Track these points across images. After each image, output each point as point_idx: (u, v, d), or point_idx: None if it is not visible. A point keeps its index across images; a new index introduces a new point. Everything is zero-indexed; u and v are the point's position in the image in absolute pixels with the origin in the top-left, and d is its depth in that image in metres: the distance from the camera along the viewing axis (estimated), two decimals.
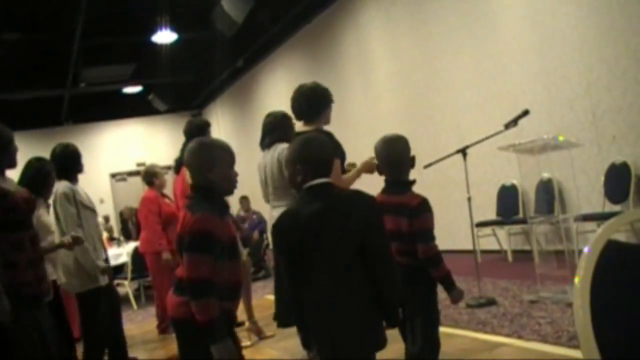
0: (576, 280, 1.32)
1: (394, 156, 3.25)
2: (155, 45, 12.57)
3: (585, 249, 1.36)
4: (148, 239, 7.09)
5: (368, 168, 4.14)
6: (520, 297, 5.79)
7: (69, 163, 5.09)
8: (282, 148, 4.85)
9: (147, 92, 16.28)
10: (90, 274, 4.92)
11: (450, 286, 3.22)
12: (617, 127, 6.83)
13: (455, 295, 3.25)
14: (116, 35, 12.54)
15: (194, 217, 2.70)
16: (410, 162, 3.29)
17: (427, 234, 3.15)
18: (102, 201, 17.11)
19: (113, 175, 18.86)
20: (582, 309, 1.27)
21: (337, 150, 3.94)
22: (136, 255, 8.66)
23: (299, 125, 4.60)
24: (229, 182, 2.92)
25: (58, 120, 17.82)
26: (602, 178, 6.92)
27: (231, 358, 2.70)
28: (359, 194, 2.62)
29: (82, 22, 11.03)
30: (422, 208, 3.16)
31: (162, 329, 7.08)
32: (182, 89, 17.02)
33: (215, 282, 2.65)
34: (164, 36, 11.96)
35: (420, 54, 9.90)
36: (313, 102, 4.47)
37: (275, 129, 5.04)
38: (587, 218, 6.50)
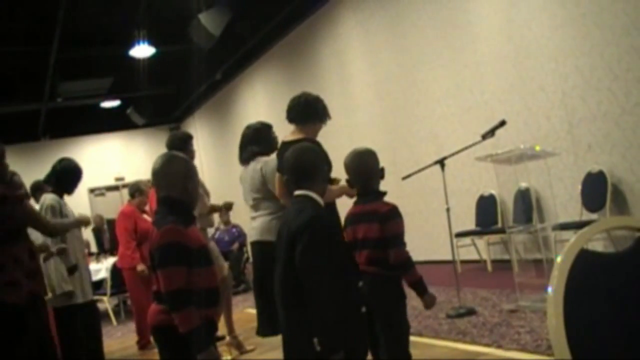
0: (549, 289, 1.34)
1: (363, 169, 3.31)
2: (133, 59, 12.52)
3: (558, 258, 1.38)
4: (123, 255, 7.11)
5: (349, 192, 4.16)
6: (500, 307, 5.81)
7: (66, 177, 5.08)
8: (264, 161, 4.85)
9: (125, 106, 16.20)
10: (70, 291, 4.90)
11: (422, 291, 3.25)
12: (592, 136, 6.91)
13: (428, 299, 3.28)
14: (94, 49, 12.49)
15: (159, 232, 2.75)
16: (380, 173, 3.33)
17: (399, 239, 3.20)
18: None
19: (92, 190, 18.72)
20: (555, 318, 1.29)
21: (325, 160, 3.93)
22: (115, 270, 8.60)
23: (288, 133, 4.57)
24: (198, 195, 3.09)
25: (35, 136, 17.67)
26: (579, 187, 6.98)
27: None
28: (303, 213, 2.72)
29: (58, 36, 10.98)
30: (393, 214, 3.21)
31: (142, 345, 7.03)
32: (161, 103, 16.96)
33: (191, 291, 2.68)
34: (142, 50, 11.92)
35: (398, 65, 9.96)
36: (314, 109, 4.47)
37: (253, 142, 5.03)
38: (564, 227, 6.55)
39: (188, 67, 13.90)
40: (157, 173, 2.93)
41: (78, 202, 16.99)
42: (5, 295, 3.44)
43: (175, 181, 2.90)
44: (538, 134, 7.41)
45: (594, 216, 6.78)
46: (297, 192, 2.84)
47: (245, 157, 5.06)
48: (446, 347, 4.94)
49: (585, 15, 6.80)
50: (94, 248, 13.58)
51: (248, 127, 5.22)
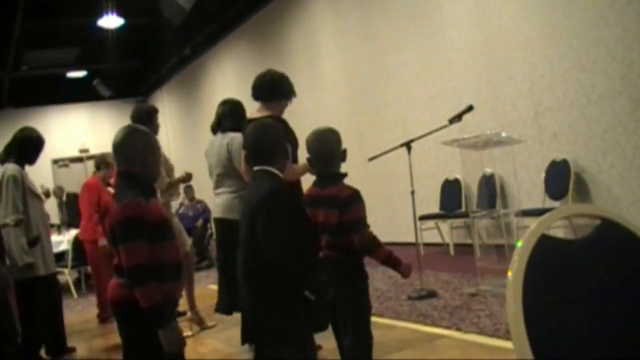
0: (509, 274, 1.36)
1: (325, 149, 3.25)
2: (101, 29, 12.34)
3: (519, 243, 1.40)
4: (86, 227, 7.04)
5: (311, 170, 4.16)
6: (461, 290, 5.89)
7: (27, 147, 4.99)
8: (231, 137, 4.83)
9: (91, 77, 15.99)
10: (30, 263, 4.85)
11: (396, 264, 3.21)
12: (558, 125, 6.99)
13: (404, 270, 3.24)
14: (61, 18, 12.27)
15: (119, 206, 2.71)
16: (342, 155, 3.29)
17: (360, 223, 3.15)
18: (43, 187, 16.73)
19: (55, 161, 18.49)
20: (514, 302, 1.31)
21: (288, 138, 3.92)
22: (77, 243, 8.52)
23: (253, 110, 4.57)
24: (159, 170, 3.03)
25: None
26: (543, 174, 7.07)
27: (179, 341, 2.70)
28: (262, 187, 2.74)
29: (24, 3, 10.76)
30: (353, 199, 3.16)
31: (103, 319, 6.99)
32: (128, 76, 16.78)
33: (153, 266, 2.65)
34: (110, 21, 11.75)
35: (367, 47, 9.95)
36: (279, 87, 4.46)
37: (228, 116, 5.03)
38: (527, 213, 6.63)
39: (157, 41, 13.75)
40: (117, 146, 2.88)
41: (41, 173, 16.77)
42: None
43: (136, 155, 2.83)
44: (505, 121, 7.48)
45: (556, 204, 6.87)
46: (257, 168, 2.83)
47: (223, 129, 5.04)
48: (406, 329, 4.99)
49: (554, 6, 6.86)
50: (56, 219, 13.43)
51: (226, 102, 5.18)
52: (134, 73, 17.02)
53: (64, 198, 12.29)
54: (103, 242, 6.73)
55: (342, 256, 3.15)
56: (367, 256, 3.21)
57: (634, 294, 1.45)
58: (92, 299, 7.71)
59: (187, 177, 5.97)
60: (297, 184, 4.20)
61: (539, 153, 7.19)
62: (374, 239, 3.18)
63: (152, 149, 2.91)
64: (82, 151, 18.74)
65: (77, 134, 18.68)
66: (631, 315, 1.42)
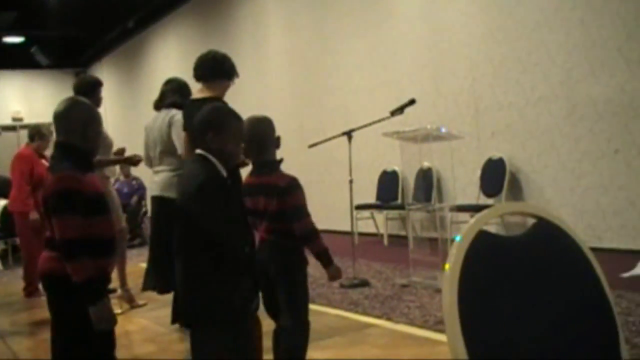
0: (446, 267, 1.38)
1: (259, 137, 3.22)
2: None
3: (457, 238, 1.42)
4: (16, 198, 6.86)
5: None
6: (393, 281, 5.96)
7: None
8: (173, 114, 4.80)
9: (29, 44, 15.50)
10: None
11: (327, 262, 3.24)
12: (496, 123, 7.12)
13: (332, 271, 3.27)
14: None
15: (54, 177, 2.65)
16: (276, 142, 3.28)
17: (301, 211, 3.17)
18: None
19: None
20: (449, 294, 1.33)
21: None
22: (6, 213, 8.29)
23: (195, 90, 4.53)
24: (98, 143, 2.96)
25: None
26: (479, 171, 7.20)
27: (110, 319, 2.66)
28: (197, 173, 2.72)
29: None
30: (292, 186, 3.17)
31: (29, 292, 6.83)
32: (68, 45, 16.32)
33: (87, 240, 2.59)
34: None
35: (314, 33, 9.93)
36: (221, 68, 4.43)
37: (174, 94, 4.99)
38: (461, 209, 6.74)
39: (100, 11, 13.40)
40: (57, 116, 2.82)
41: None
42: None
43: (75, 126, 2.78)
44: (445, 116, 7.58)
45: (490, 201, 7.01)
46: (197, 151, 2.78)
47: (165, 105, 4.98)
48: (337, 316, 5.03)
49: (501, 7, 6.97)
50: None
51: (171, 81, 5.12)
52: (74, 43, 16.56)
53: None
54: (34, 215, 6.58)
55: (282, 241, 3.16)
56: (304, 245, 3.22)
57: (566, 291, 1.49)
58: (19, 272, 7.52)
59: (136, 161, 5.83)
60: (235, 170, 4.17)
61: (477, 150, 7.31)
62: (314, 229, 3.20)
63: (93, 122, 2.86)
64: (15, 120, 18.21)
65: (11, 102, 18.16)
66: (563, 311, 1.46)
